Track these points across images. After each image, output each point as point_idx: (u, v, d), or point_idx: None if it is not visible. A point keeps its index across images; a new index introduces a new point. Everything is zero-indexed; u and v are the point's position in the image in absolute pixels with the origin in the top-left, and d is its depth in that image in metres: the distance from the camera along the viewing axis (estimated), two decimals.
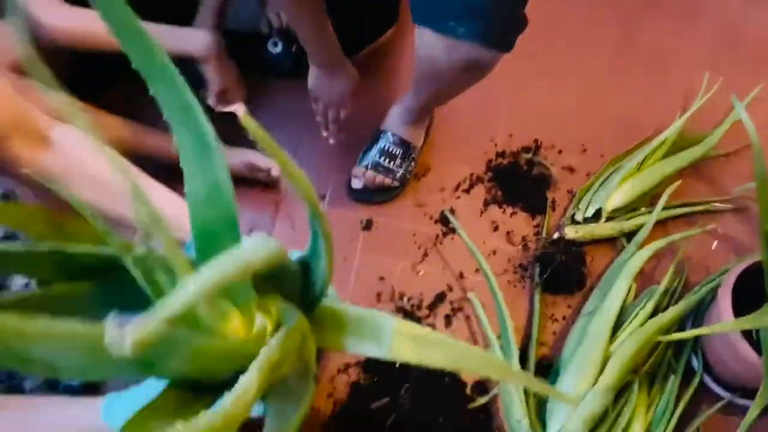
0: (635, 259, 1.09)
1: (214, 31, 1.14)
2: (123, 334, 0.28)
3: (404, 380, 1.04)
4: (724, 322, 0.92)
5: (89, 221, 0.46)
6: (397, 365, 1.05)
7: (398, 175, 1.21)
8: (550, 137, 1.33)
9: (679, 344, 1.08)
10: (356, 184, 1.21)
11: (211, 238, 0.48)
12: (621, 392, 1.01)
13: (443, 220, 1.22)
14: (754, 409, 0.93)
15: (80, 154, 0.78)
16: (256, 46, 1.34)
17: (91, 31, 1.00)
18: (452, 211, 1.22)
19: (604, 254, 1.19)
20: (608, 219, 1.18)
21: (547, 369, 1.07)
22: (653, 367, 1.04)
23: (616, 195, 1.18)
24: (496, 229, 1.22)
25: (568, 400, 0.96)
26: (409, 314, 1.11)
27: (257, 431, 0.46)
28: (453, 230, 1.21)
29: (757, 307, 0.91)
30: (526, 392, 1.00)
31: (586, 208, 1.18)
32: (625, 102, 1.40)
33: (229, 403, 0.36)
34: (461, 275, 1.17)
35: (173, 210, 0.78)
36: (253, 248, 0.41)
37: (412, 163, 1.24)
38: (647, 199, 1.22)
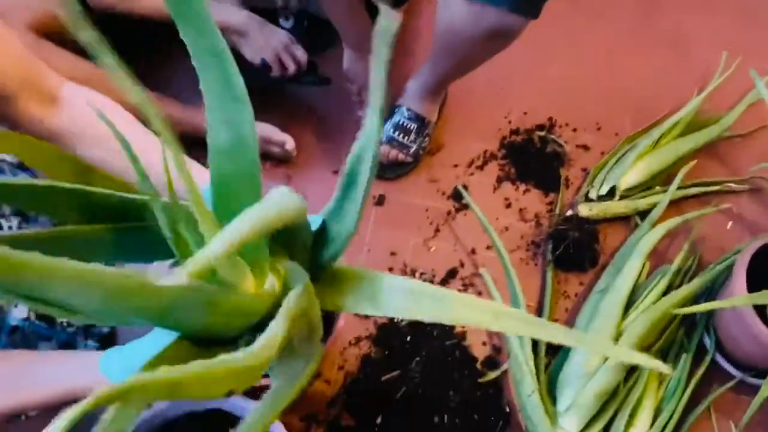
0: (649, 237, 1.08)
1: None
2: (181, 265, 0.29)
3: (415, 354, 1.04)
4: (738, 296, 0.91)
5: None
6: (408, 339, 1.05)
7: (412, 150, 1.21)
8: (565, 115, 1.32)
9: (692, 323, 1.08)
10: None
11: (231, 191, 0.47)
12: (632, 369, 1.01)
13: (456, 196, 1.22)
14: (766, 388, 0.93)
15: (91, 113, 0.77)
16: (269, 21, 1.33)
17: None
18: (465, 188, 1.22)
19: (618, 232, 1.18)
20: (622, 197, 1.17)
21: (559, 346, 1.07)
22: (665, 345, 1.04)
23: (631, 173, 1.17)
24: (508, 206, 1.22)
25: (590, 348, 0.96)
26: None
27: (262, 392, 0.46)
28: (465, 206, 1.21)
29: None
30: (537, 367, 1.00)
31: (600, 185, 1.18)
32: (641, 81, 1.38)
33: (258, 346, 0.36)
34: (473, 251, 1.17)
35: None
36: (282, 199, 0.41)
37: (426, 139, 1.23)
38: (662, 178, 1.22)
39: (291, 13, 1.32)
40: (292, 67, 1.18)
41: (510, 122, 1.31)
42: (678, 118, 1.23)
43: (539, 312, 1.10)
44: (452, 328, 1.07)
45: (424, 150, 1.24)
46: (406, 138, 1.20)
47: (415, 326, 1.06)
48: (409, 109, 1.20)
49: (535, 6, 0.86)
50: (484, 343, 1.07)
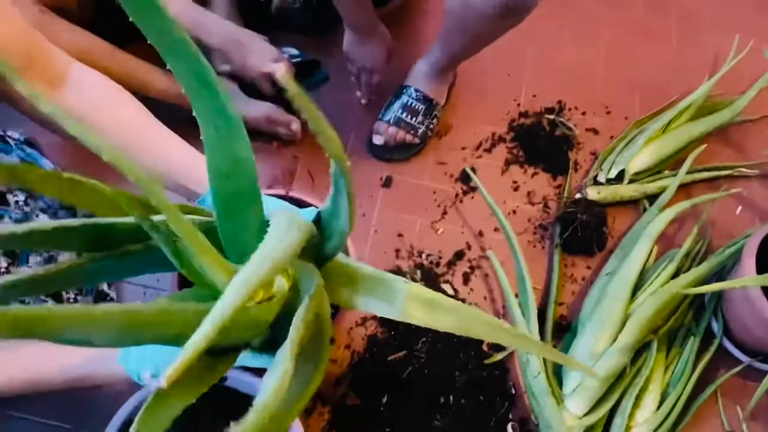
0: (658, 220, 1.08)
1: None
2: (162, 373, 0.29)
3: (421, 335, 1.04)
4: (747, 277, 0.91)
5: (102, 190, 0.45)
6: None
7: (420, 132, 1.20)
8: (574, 98, 1.31)
9: (699, 307, 1.07)
10: (377, 140, 1.21)
11: (234, 208, 0.48)
12: (639, 352, 1.00)
13: (463, 179, 1.21)
14: None
15: (98, 96, 0.77)
16: None
17: None
18: (473, 170, 1.21)
19: (626, 216, 1.18)
20: (631, 181, 1.17)
21: (566, 329, 1.07)
22: (673, 329, 1.04)
23: (640, 157, 1.16)
24: (516, 189, 1.21)
25: (581, 369, 0.96)
26: (427, 271, 1.11)
27: None
28: (473, 189, 1.20)
29: None
30: None
31: (609, 169, 1.17)
32: (652, 65, 1.37)
33: (272, 391, 0.36)
34: (480, 234, 1.16)
35: (186, 161, 0.78)
36: (288, 234, 0.40)
37: (434, 121, 1.23)
38: (671, 162, 1.21)
39: None
40: (266, 87, 1.16)
41: (519, 105, 1.30)
42: (688, 102, 1.22)
43: (546, 295, 1.10)
44: None
45: (432, 132, 1.23)
46: (414, 119, 1.19)
47: None
48: (417, 90, 1.20)
49: None
50: None
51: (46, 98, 0.72)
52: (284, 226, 0.41)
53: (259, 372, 0.84)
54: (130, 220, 0.45)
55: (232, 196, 0.47)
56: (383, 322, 1.06)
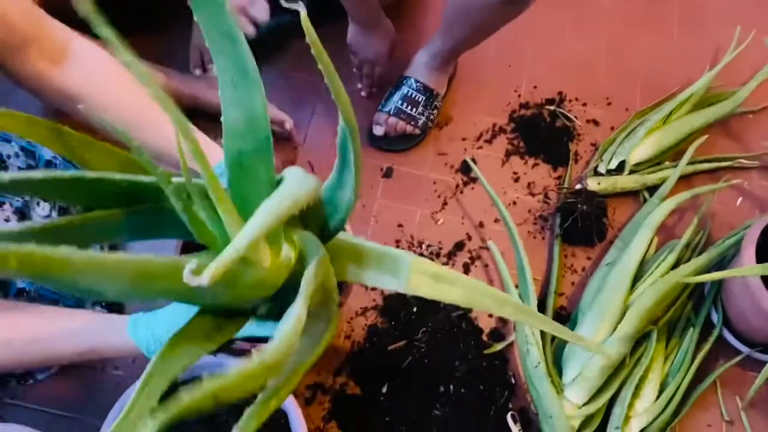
0: (658, 211, 1.08)
1: None
2: (203, 270, 0.31)
3: (421, 325, 1.04)
4: (747, 267, 0.91)
5: (111, 149, 0.46)
6: (414, 310, 1.05)
7: (420, 122, 1.20)
8: (575, 90, 1.31)
9: (699, 298, 1.07)
10: (377, 130, 1.20)
11: (245, 168, 0.48)
12: (639, 343, 1.00)
13: (464, 170, 1.21)
14: None
15: (99, 73, 0.77)
16: None
17: None
18: (474, 161, 1.21)
19: (626, 208, 1.18)
20: (631, 172, 1.17)
21: (565, 319, 1.07)
22: (672, 319, 1.04)
23: (641, 148, 1.16)
24: (517, 180, 1.21)
25: (585, 345, 0.96)
26: (419, 256, 1.11)
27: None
28: (473, 180, 1.20)
29: None
30: (543, 339, 1.00)
31: (610, 160, 1.17)
32: (653, 56, 1.37)
33: (284, 335, 0.37)
34: (480, 225, 1.16)
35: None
36: (299, 185, 0.41)
37: (435, 111, 1.22)
38: (672, 153, 1.21)
39: None
40: (249, 29, 1.14)
41: (519, 96, 1.30)
42: (689, 93, 1.22)
43: (546, 285, 1.10)
44: None
45: (432, 122, 1.23)
46: (414, 110, 1.19)
47: (422, 297, 1.05)
48: (417, 81, 1.19)
49: None
50: (490, 315, 1.07)
51: (49, 73, 0.72)
52: (300, 175, 0.42)
53: (240, 354, 0.84)
54: (140, 178, 0.45)
55: (245, 155, 0.47)
56: (383, 312, 1.06)
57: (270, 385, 0.39)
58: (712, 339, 1.03)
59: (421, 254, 1.12)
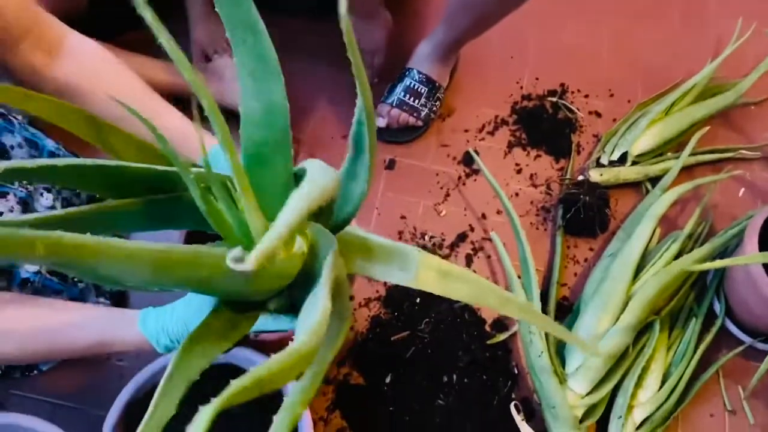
0: (660, 201, 1.08)
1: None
2: (246, 257, 0.31)
3: (424, 315, 1.04)
4: (750, 254, 0.91)
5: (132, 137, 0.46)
6: (417, 301, 1.05)
7: (422, 114, 1.20)
8: (577, 81, 1.31)
9: (702, 288, 1.08)
10: (380, 122, 1.20)
11: (263, 160, 0.48)
12: (641, 333, 1.01)
13: (466, 161, 1.21)
14: None
15: (96, 65, 0.77)
16: None
17: None
18: (476, 153, 1.21)
19: (629, 199, 1.18)
20: (634, 163, 1.17)
21: (568, 309, 1.07)
22: (675, 310, 1.04)
23: (643, 139, 1.16)
24: (519, 171, 1.21)
25: (583, 347, 0.96)
26: (430, 253, 1.11)
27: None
28: (475, 172, 1.20)
29: None
30: None
31: (612, 151, 1.17)
32: (654, 47, 1.37)
33: (315, 325, 0.38)
34: (483, 216, 1.16)
35: (183, 130, 0.78)
36: (324, 177, 0.42)
37: (437, 103, 1.22)
38: (674, 144, 1.21)
39: None
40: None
41: (522, 88, 1.30)
42: (691, 84, 1.22)
43: (548, 276, 1.10)
44: None
45: (434, 114, 1.23)
46: (417, 101, 1.19)
47: None
48: (420, 72, 1.19)
49: None
50: None
51: (45, 67, 0.72)
52: (323, 167, 0.43)
53: (261, 349, 0.84)
54: (159, 168, 0.45)
55: (263, 146, 0.47)
56: (386, 303, 1.06)
57: (298, 385, 0.39)
58: (714, 329, 1.03)
59: (424, 246, 1.12)
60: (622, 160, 1.17)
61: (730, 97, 1.24)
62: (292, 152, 0.48)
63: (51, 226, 0.41)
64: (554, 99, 1.28)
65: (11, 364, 0.95)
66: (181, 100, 1.06)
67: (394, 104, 1.19)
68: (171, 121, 0.79)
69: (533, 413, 0.99)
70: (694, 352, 1.00)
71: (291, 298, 0.51)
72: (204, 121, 0.45)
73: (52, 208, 0.93)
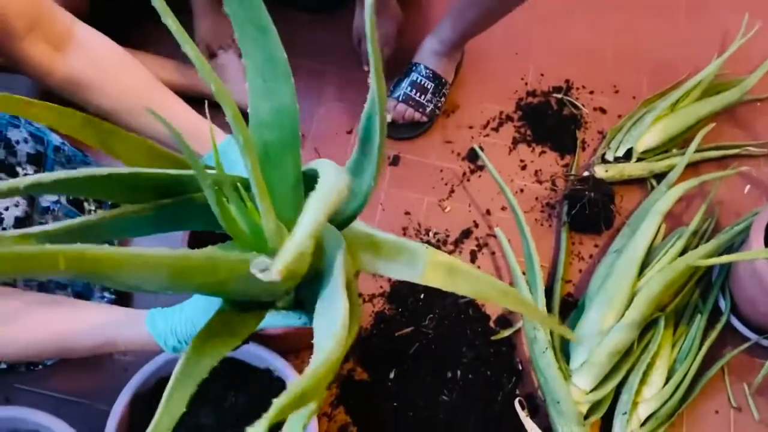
0: (665, 198, 1.07)
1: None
2: (270, 266, 0.31)
3: (428, 311, 1.04)
4: (755, 250, 0.91)
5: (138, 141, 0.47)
6: (421, 296, 1.05)
7: (428, 110, 1.20)
8: (582, 77, 1.30)
9: (707, 284, 1.07)
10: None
11: (272, 160, 0.48)
12: (646, 329, 1.00)
13: (471, 158, 1.21)
14: None
15: (104, 58, 0.77)
16: None
17: None
18: (481, 149, 1.21)
19: (634, 195, 1.18)
20: (639, 159, 1.16)
21: (573, 306, 1.07)
22: (680, 307, 1.04)
23: (648, 135, 1.16)
24: (524, 167, 1.21)
25: (584, 343, 0.97)
26: (434, 249, 1.11)
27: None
28: (480, 168, 1.20)
29: None
30: None
31: (617, 147, 1.17)
32: (660, 44, 1.36)
33: (339, 326, 0.38)
34: (488, 212, 1.16)
35: (192, 123, 0.78)
36: (338, 180, 0.42)
37: (442, 99, 1.22)
38: (679, 141, 1.21)
39: None
40: None
41: (526, 84, 1.30)
42: (697, 80, 1.21)
43: (553, 273, 1.10)
44: None
45: (439, 110, 1.23)
46: (423, 97, 1.19)
47: None
48: (426, 68, 1.19)
49: None
50: None
51: (52, 60, 0.72)
52: (335, 168, 0.43)
53: (267, 343, 0.84)
54: (171, 172, 0.46)
55: (272, 146, 0.47)
56: (391, 298, 1.06)
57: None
58: (719, 326, 1.03)
59: (428, 242, 1.12)
60: (627, 156, 1.16)
61: (736, 94, 1.23)
62: (300, 153, 0.48)
63: (66, 236, 0.41)
64: (559, 95, 1.28)
65: (16, 363, 0.96)
66: (185, 98, 1.06)
67: (400, 99, 1.19)
68: (180, 113, 0.79)
69: (537, 409, 0.98)
70: (699, 348, 1.00)
71: (298, 295, 0.51)
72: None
73: (57, 202, 0.93)
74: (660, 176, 1.16)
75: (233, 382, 0.82)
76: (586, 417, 0.93)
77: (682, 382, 0.97)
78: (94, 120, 0.44)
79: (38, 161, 0.90)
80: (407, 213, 1.16)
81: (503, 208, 1.16)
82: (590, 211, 1.10)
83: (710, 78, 1.22)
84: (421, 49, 1.21)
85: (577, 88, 1.29)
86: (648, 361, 0.97)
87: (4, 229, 0.80)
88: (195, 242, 0.88)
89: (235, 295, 0.48)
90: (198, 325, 0.62)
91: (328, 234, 0.52)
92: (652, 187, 1.16)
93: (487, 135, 1.24)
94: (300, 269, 0.49)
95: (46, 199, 0.91)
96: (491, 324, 1.05)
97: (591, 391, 0.94)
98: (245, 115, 0.45)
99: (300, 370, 0.81)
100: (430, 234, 1.13)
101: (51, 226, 0.40)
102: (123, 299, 1.02)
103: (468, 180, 1.19)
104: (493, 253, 1.12)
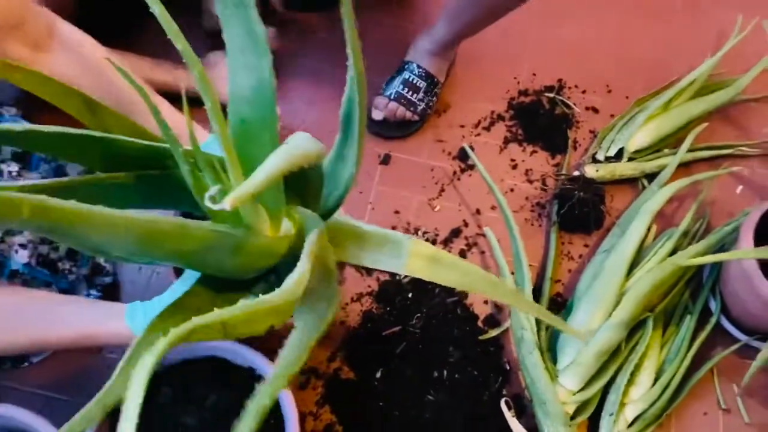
0: (656, 197, 1.07)
1: None
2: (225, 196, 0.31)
3: (416, 310, 1.04)
4: (744, 250, 0.90)
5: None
6: (409, 296, 1.05)
7: (419, 109, 1.20)
8: (575, 77, 1.30)
9: (697, 285, 1.07)
10: (377, 115, 1.20)
11: (250, 135, 0.49)
12: (635, 329, 1.00)
13: (461, 157, 1.21)
14: (766, 350, 0.91)
15: (88, 57, 0.77)
16: None
17: None
18: (472, 148, 1.21)
19: (624, 195, 1.17)
20: (630, 159, 1.16)
21: (561, 306, 1.07)
22: (669, 307, 1.03)
23: (640, 135, 1.15)
24: (515, 167, 1.20)
25: (575, 334, 0.96)
26: (418, 239, 1.11)
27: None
28: (471, 167, 1.20)
29: None
30: (538, 325, 0.99)
31: (608, 147, 1.16)
32: (654, 43, 1.36)
33: (290, 284, 0.38)
34: (477, 212, 1.16)
35: (176, 121, 0.78)
36: (306, 142, 0.42)
37: (434, 98, 1.22)
38: (672, 141, 1.20)
39: None
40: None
41: (518, 83, 1.29)
42: (690, 80, 1.20)
43: (542, 273, 1.09)
44: None
45: (431, 109, 1.22)
46: (415, 95, 1.18)
47: (417, 283, 1.05)
48: (419, 66, 1.19)
49: None
50: (485, 302, 1.07)
51: (31, 63, 0.72)
52: (307, 136, 0.44)
53: (249, 341, 0.84)
54: (147, 143, 0.46)
55: (250, 122, 0.48)
56: (378, 297, 1.06)
57: (280, 361, 0.39)
58: (709, 326, 1.02)
59: None
60: (619, 156, 1.16)
61: (729, 94, 1.23)
62: (278, 128, 0.49)
63: (40, 193, 0.41)
64: (551, 94, 1.27)
65: None
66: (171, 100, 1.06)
67: (392, 97, 1.18)
68: (167, 116, 0.79)
69: (524, 409, 0.98)
70: (688, 349, 1.00)
71: (279, 282, 0.51)
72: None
73: (19, 175, 0.93)
74: (651, 176, 1.16)
75: (215, 381, 0.82)
76: (572, 417, 0.93)
77: (670, 383, 0.97)
78: (91, 100, 0.45)
79: (23, 159, 0.90)
80: (397, 212, 1.15)
81: (493, 208, 1.16)
82: (580, 210, 1.09)
83: (704, 77, 1.21)
84: (413, 47, 1.21)
85: (570, 88, 1.29)
86: (636, 362, 0.96)
87: None
88: None
89: (205, 268, 0.48)
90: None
91: (309, 221, 0.52)
92: (644, 187, 1.16)
93: (479, 134, 1.23)
94: (277, 249, 0.49)
95: (6, 170, 0.89)
96: (479, 323, 1.04)
97: (578, 391, 0.94)
98: (227, 114, 0.46)
99: None
100: (420, 233, 1.13)
101: (23, 182, 0.41)
102: (110, 297, 1.02)
103: (458, 179, 1.19)
104: (482, 253, 1.12)
